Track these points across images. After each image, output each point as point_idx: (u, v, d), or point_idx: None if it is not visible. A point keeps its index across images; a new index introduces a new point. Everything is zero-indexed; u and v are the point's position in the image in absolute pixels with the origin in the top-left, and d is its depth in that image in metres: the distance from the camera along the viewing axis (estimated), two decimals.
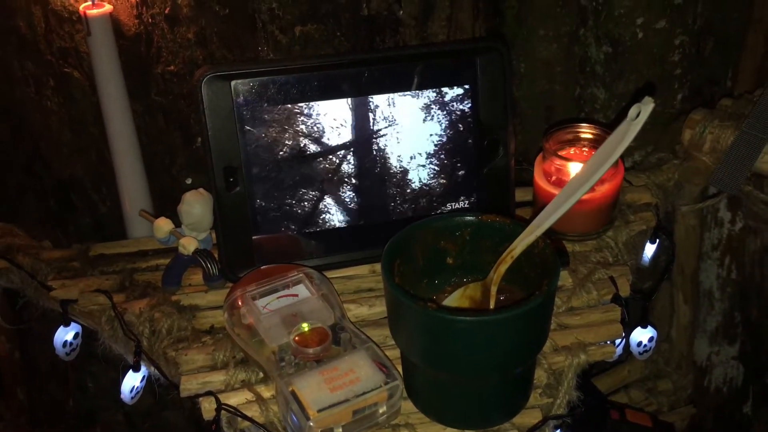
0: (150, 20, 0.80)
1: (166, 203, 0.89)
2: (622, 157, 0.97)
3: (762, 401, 1.12)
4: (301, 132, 0.74)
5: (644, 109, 0.52)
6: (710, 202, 0.90)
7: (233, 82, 0.71)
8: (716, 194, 0.90)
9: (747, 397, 1.14)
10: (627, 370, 1.06)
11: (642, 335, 0.82)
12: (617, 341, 0.72)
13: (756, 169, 0.83)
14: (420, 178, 0.77)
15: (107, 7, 0.76)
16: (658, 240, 0.85)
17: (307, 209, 0.76)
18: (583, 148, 0.80)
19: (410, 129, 0.76)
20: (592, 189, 0.74)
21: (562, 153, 0.78)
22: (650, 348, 0.83)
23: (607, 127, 0.80)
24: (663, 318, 1.06)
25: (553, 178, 0.77)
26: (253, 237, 0.75)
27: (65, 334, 0.78)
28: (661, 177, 0.88)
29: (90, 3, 0.76)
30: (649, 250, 0.86)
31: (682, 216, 0.93)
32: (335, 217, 0.77)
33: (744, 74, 0.98)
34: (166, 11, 0.80)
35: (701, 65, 0.96)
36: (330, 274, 0.75)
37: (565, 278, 0.75)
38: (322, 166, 0.75)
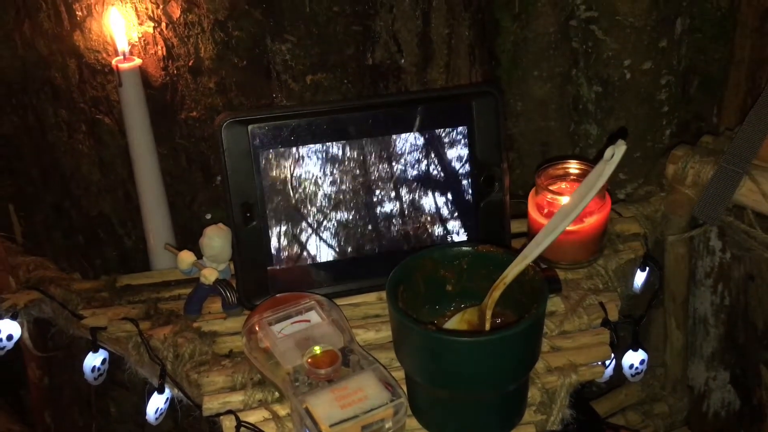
0: (175, 72, 0.86)
1: (187, 237, 0.93)
2: (613, 190, 1.02)
3: (753, 423, 1.14)
4: (312, 171, 0.78)
5: (618, 150, 0.57)
6: (695, 232, 0.93)
7: (250, 127, 0.75)
8: (701, 225, 0.94)
9: (744, 421, 1.16)
10: (624, 394, 1.08)
11: (633, 358, 0.86)
12: (607, 362, 0.76)
13: (735, 201, 0.87)
14: (422, 212, 0.82)
15: (137, 61, 0.83)
16: (648, 268, 0.89)
17: (317, 242, 0.80)
18: (573, 183, 0.85)
19: (412, 167, 0.80)
20: (580, 220, 0.80)
21: (554, 188, 0.82)
22: (642, 370, 0.87)
23: (595, 163, 0.85)
24: (658, 343, 1.09)
25: (546, 210, 0.81)
26: (268, 268, 0.79)
27: (94, 360, 0.80)
28: (648, 209, 0.92)
29: (121, 57, 0.82)
30: (640, 277, 0.90)
31: (671, 245, 0.96)
32: (344, 248, 0.81)
33: (728, 111, 1.03)
34: (190, 64, 0.85)
35: (687, 103, 1.01)
36: (339, 301, 0.79)
37: (557, 304, 0.79)
38: (330, 202, 0.79)
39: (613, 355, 0.77)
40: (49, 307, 0.84)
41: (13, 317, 0.83)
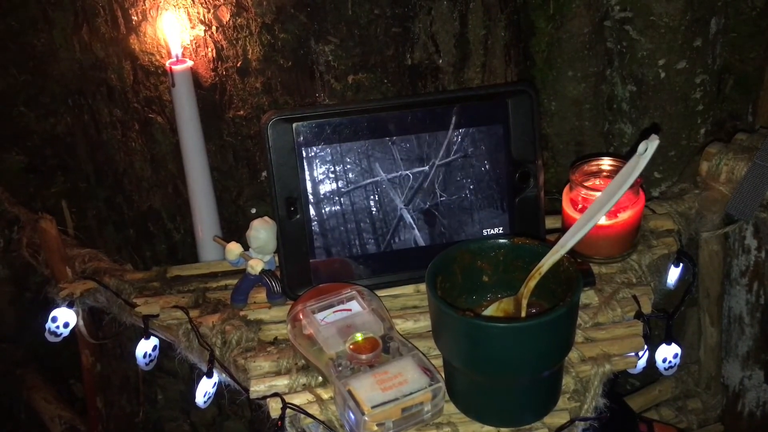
0: (224, 73, 0.90)
1: (233, 230, 0.97)
2: (648, 188, 1.03)
3: None
4: (353, 167, 0.81)
5: (651, 145, 0.59)
6: (728, 228, 0.94)
7: (295, 125, 0.78)
8: (735, 221, 0.94)
9: None
10: (658, 390, 1.09)
11: (667, 352, 0.87)
12: (640, 354, 0.78)
13: None
14: (459, 207, 0.84)
15: (189, 63, 0.87)
16: (681, 264, 0.90)
17: (358, 235, 0.83)
18: (606, 179, 0.86)
19: (449, 163, 0.83)
20: (614, 215, 0.81)
21: (587, 184, 0.84)
22: (675, 364, 0.87)
23: (628, 159, 0.86)
24: (692, 341, 1.09)
25: (580, 206, 0.83)
26: (311, 260, 0.82)
27: (146, 346, 0.84)
28: (682, 206, 0.92)
29: (174, 59, 0.87)
30: (673, 274, 0.90)
31: (705, 242, 0.96)
32: (383, 242, 0.83)
33: (763, 109, 1.02)
34: (238, 65, 0.89)
35: (722, 102, 1.02)
36: (379, 293, 0.81)
37: (591, 297, 0.80)
38: (371, 198, 0.82)
39: (646, 348, 0.78)
40: (103, 296, 0.87)
41: (70, 305, 0.87)
